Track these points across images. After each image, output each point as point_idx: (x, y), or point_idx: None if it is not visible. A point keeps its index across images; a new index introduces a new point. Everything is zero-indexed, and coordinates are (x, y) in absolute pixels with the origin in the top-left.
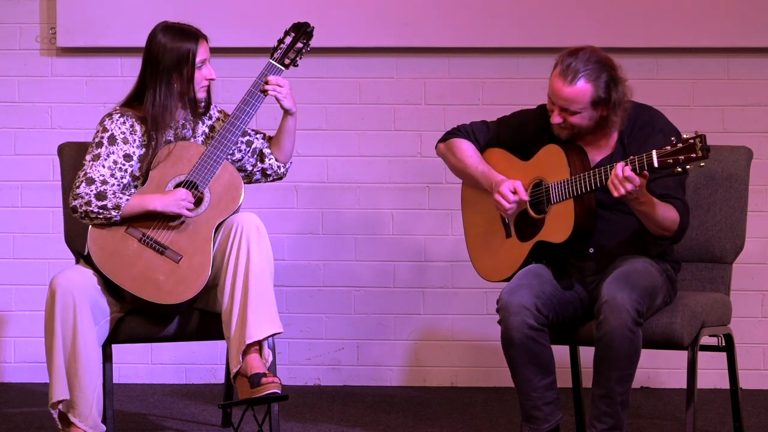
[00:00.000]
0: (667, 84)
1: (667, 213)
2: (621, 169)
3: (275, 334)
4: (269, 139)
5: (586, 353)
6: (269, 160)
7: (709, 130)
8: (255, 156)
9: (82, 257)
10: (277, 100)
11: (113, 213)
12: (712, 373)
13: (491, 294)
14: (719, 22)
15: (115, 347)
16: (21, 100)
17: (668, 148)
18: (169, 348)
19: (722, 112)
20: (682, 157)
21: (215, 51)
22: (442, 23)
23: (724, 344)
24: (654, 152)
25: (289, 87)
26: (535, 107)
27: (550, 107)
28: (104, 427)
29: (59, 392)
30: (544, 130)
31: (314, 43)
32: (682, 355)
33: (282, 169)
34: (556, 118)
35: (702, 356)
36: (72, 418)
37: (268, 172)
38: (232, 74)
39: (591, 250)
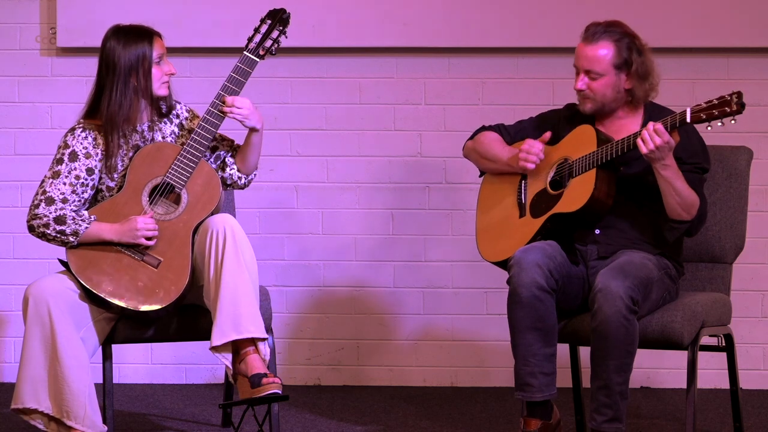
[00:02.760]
0: (667, 84)
1: (689, 192)
2: (651, 124)
3: (259, 339)
4: (236, 149)
5: (587, 354)
6: (230, 170)
7: (707, 131)
8: (217, 163)
9: (64, 266)
10: (240, 122)
11: (71, 239)
12: (712, 373)
13: (491, 294)
14: (719, 22)
15: (115, 347)
16: (21, 100)
17: (703, 104)
18: (169, 348)
19: None
20: (717, 112)
21: (209, 51)
22: (442, 23)
23: (724, 344)
24: (688, 108)
25: (251, 105)
26: (562, 107)
27: (576, 78)
28: (105, 427)
29: (21, 399)
30: (572, 119)
31: (314, 43)
32: (682, 355)
33: (242, 181)
34: (579, 83)
35: (702, 356)
36: (68, 422)
37: (228, 182)
38: (226, 74)
39: (597, 231)
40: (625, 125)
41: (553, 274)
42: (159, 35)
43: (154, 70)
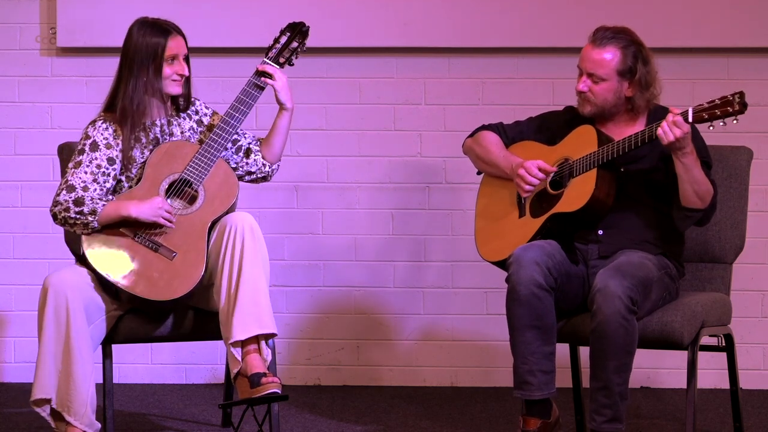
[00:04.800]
0: (667, 84)
1: (705, 179)
2: (671, 116)
3: (269, 336)
4: (260, 141)
5: (587, 354)
6: (255, 156)
7: (709, 130)
8: (240, 153)
9: (78, 258)
10: (275, 90)
11: (90, 218)
12: (712, 373)
13: (491, 294)
14: (719, 22)
15: (115, 347)
16: (21, 100)
17: (704, 104)
18: (169, 348)
19: None
20: (719, 111)
21: (215, 51)
22: (442, 23)
23: (724, 344)
24: (690, 108)
25: (287, 82)
26: (562, 109)
27: (578, 79)
28: (99, 425)
29: (41, 390)
30: (571, 123)
31: (314, 43)
32: (682, 355)
33: (267, 168)
34: (582, 85)
35: (702, 356)
36: (68, 418)
37: (253, 169)
38: (232, 74)
39: (600, 232)
40: (625, 132)
41: (551, 273)
42: (180, 33)
43: (165, 68)
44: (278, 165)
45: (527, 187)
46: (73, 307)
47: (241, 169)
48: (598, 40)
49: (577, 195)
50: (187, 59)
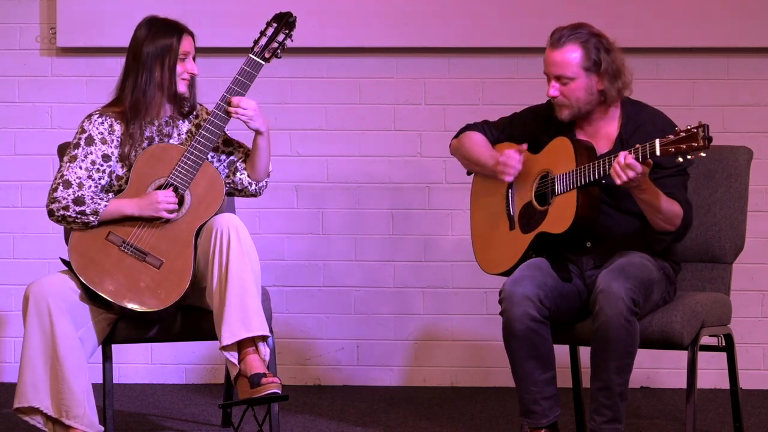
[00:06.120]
0: (667, 84)
1: (670, 206)
2: (623, 157)
3: (264, 337)
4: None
5: (586, 354)
6: (240, 174)
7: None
8: (230, 168)
9: (66, 265)
10: (245, 123)
11: (92, 218)
12: (712, 373)
13: (491, 294)
14: (719, 22)
15: (115, 347)
16: (21, 100)
17: (671, 137)
18: (169, 348)
19: (722, 112)
20: (684, 146)
21: (215, 51)
22: (442, 23)
23: (724, 344)
24: (657, 141)
25: (257, 107)
26: (544, 103)
27: (548, 85)
28: (102, 428)
29: (26, 397)
30: (552, 121)
31: (314, 43)
32: (682, 355)
33: (253, 187)
34: (552, 90)
35: (702, 356)
36: (67, 421)
37: (239, 188)
38: (233, 74)
39: (588, 244)
40: (602, 127)
41: (544, 303)
42: (190, 33)
43: (177, 66)
44: (266, 182)
45: (510, 170)
46: (56, 312)
47: (227, 185)
48: (557, 41)
49: (561, 216)
50: (194, 60)
